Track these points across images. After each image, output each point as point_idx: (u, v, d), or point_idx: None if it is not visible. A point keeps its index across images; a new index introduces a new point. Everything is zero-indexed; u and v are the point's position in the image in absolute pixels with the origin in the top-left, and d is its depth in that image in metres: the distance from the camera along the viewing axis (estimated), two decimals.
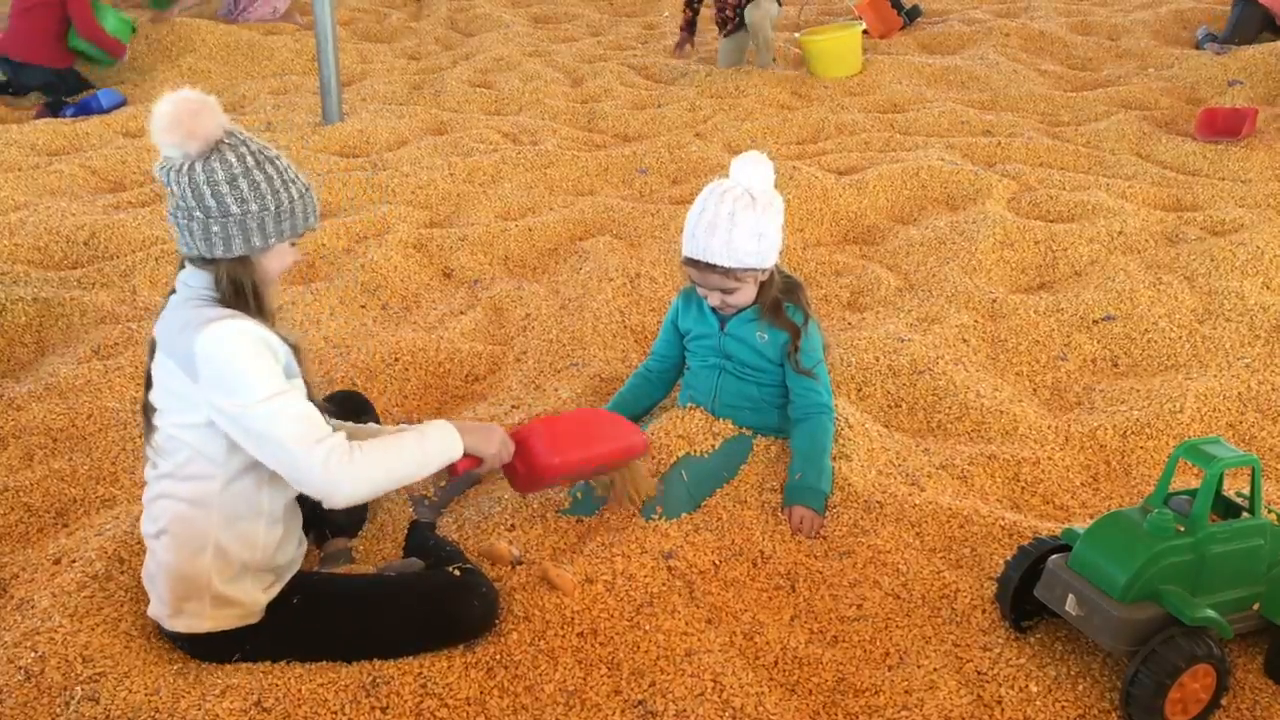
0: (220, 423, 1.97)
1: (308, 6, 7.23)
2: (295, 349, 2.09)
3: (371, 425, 2.44)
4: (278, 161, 2.04)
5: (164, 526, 2.06)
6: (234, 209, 1.97)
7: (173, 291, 2.08)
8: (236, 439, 1.98)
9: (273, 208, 2.01)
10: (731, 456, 2.68)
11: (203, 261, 2.03)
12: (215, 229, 1.98)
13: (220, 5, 8.22)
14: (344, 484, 1.99)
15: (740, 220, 2.53)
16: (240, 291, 2.03)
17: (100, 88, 6.62)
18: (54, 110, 6.36)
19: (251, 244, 2.01)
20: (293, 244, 2.11)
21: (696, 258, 2.59)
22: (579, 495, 2.58)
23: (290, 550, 2.18)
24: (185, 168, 1.97)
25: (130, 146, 5.52)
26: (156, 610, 2.11)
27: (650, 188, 5.10)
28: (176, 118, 1.96)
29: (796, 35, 7.01)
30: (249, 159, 1.99)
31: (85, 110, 6.23)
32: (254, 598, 2.08)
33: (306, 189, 2.08)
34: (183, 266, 2.09)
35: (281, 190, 2.02)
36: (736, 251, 2.55)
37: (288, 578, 2.15)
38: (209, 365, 1.93)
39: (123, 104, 6.39)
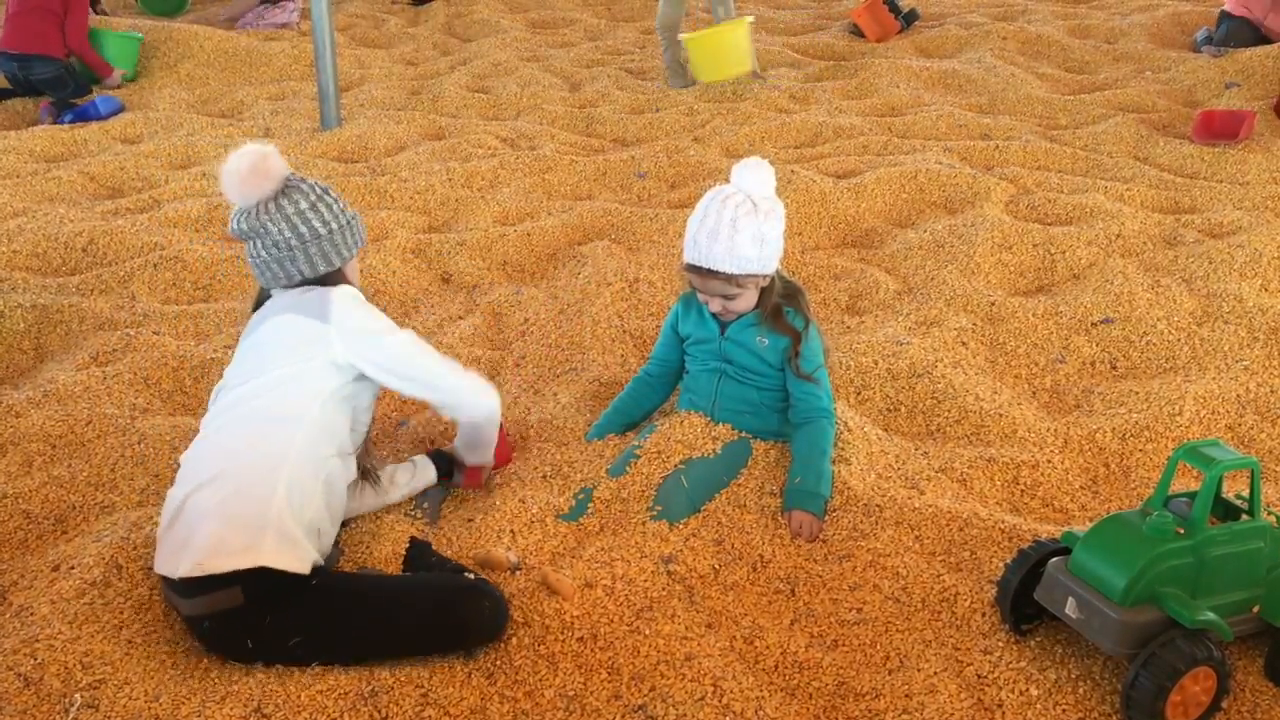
0: (359, 353, 2.32)
1: (306, 12, 7.25)
2: None
3: None
4: (330, 192, 2.44)
5: (233, 463, 2.17)
6: (322, 230, 2.38)
7: (259, 304, 2.49)
8: (380, 362, 2.35)
9: (346, 222, 2.44)
10: (731, 461, 2.68)
11: (303, 284, 2.40)
12: (314, 251, 2.38)
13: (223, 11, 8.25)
14: (491, 397, 2.58)
15: (742, 226, 2.53)
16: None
17: (100, 94, 6.62)
18: (59, 109, 6.35)
19: (343, 255, 2.44)
20: (359, 255, 2.53)
21: (698, 264, 2.59)
22: (579, 499, 2.59)
23: (329, 536, 2.31)
24: (269, 208, 2.34)
25: (129, 153, 5.53)
26: (198, 558, 2.07)
27: (648, 192, 5.10)
28: (255, 168, 2.31)
29: (680, 37, 6.57)
30: (315, 187, 2.40)
31: (83, 117, 6.23)
32: (308, 547, 2.16)
33: (352, 210, 2.50)
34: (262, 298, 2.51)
35: (345, 209, 2.46)
36: (738, 257, 2.55)
37: (320, 559, 2.22)
38: (345, 308, 2.34)
39: (121, 110, 6.39)
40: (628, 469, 2.63)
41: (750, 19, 6.59)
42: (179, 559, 2.11)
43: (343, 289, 2.39)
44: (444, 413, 2.65)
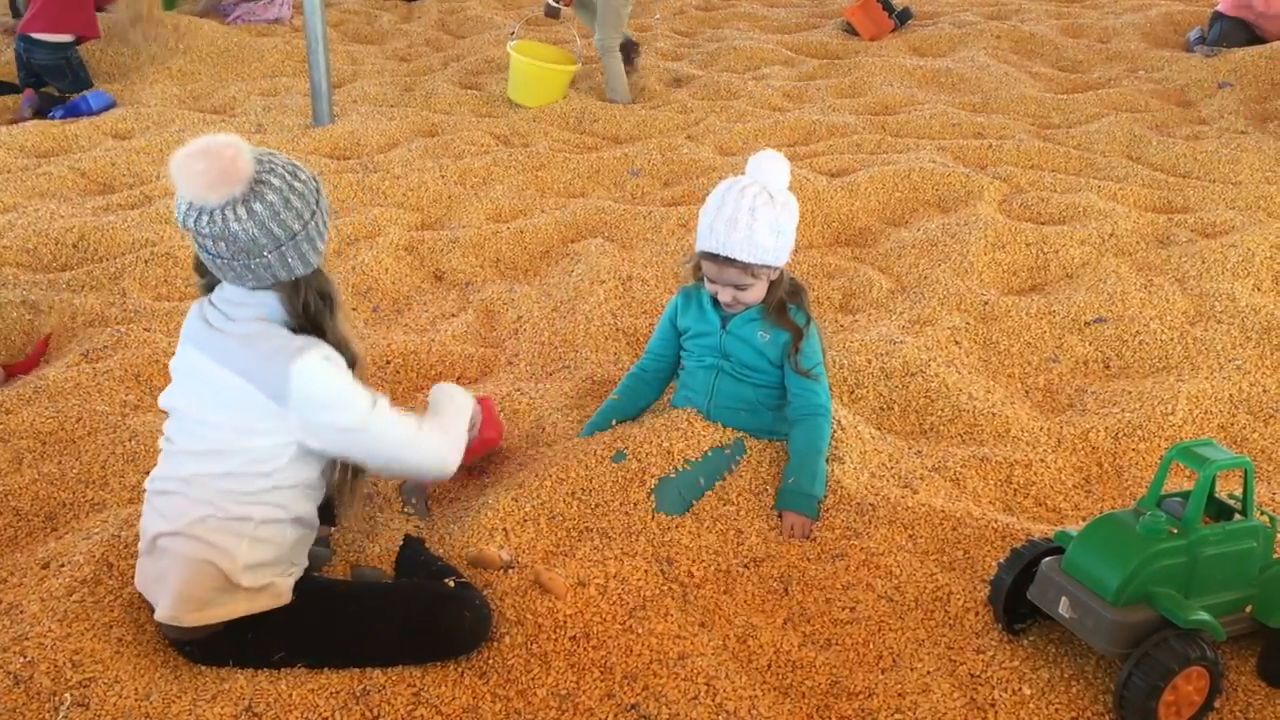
0: (315, 441, 2.08)
1: (298, 8, 7.23)
2: (354, 360, 2.17)
3: None
4: (295, 165, 2.07)
5: (198, 520, 2.05)
6: (297, 228, 2.03)
7: (203, 304, 2.15)
8: (334, 447, 2.11)
9: (316, 207, 2.08)
10: (724, 459, 2.67)
11: (276, 286, 2.07)
12: (290, 253, 2.04)
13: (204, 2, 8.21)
14: (450, 457, 2.30)
15: (760, 216, 2.54)
16: (325, 298, 2.13)
17: (92, 89, 6.59)
18: (46, 104, 6.31)
19: (319, 250, 2.10)
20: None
21: (716, 251, 2.59)
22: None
23: (303, 556, 2.21)
24: (238, 211, 1.97)
25: (120, 148, 5.50)
26: (172, 610, 2.05)
27: (642, 190, 5.10)
28: (223, 170, 1.94)
29: (511, 44, 6.30)
30: (284, 176, 2.03)
31: (74, 112, 6.19)
32: (282, 583, 2.11)
33: (316, 174, 2.13)
34: (208, 289, 2.16)
35: (316, 190, 2.09)
36: (756, 246, 2.55)
37: (300, 573, 2.18)
38: (306, 392, 2.03)
39: (112, 106, 6.35)
40: (624, 464, 2.63)
41: (577, 67, 6.40)
42: (156, 596, 2.11)
43: (304, 363, 2.02)
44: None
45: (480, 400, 2.67)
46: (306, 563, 2.21)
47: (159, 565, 2.10)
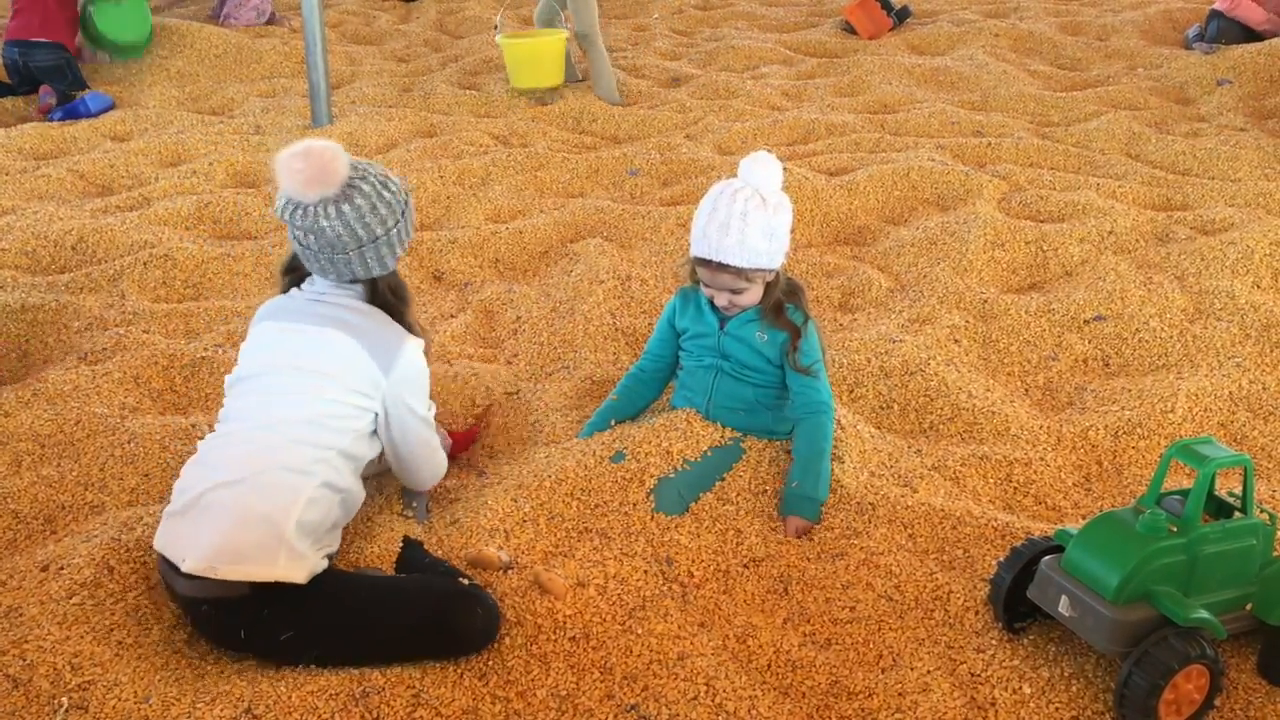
0: (391, 413, 2.33)
1: (296, 10, 7.22)
2: (428, 347, 2.47)
3: None
4: (387, 177, 2.35)
5: (265, 469, 2.16)
6: (380, 233, 2.30)
7: (289, 294, 2.43)
8: (394, 427, 2.35)
9: (401, 217, 2.35)
10: (723, 459, 2.67)
11: (357, 281, 2.35)
12: (370, 254, 2.31)
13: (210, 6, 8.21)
14: (440, 473, 2.60)
15: (753, 220, 2.53)
16: (398, 294, 2.41)
17: (90, 90, 6.58)
18: (60, 101, 6.32)
19: (397, 255, 2.38)
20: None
21: (709, 257, 2.58)
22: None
23: (337, 540, 2.31)
24: (329, 210, 2.23)
25: (118, 150, 5.50)
26: (209, 560, 2.06)
27: (641, 189, 5.09)
28: (322, 169, 2.20)
29: (498, 38, 6.41)
30: (375, 185, 2.30)
31: (73, 114, 6.19)
32: (315, 560, 2.16)
33: (408, 188, 2.38)
34: (291, 286, 2.44)
35: (403, 200, 2.37)
36: (749, 251, 2.54)
37: (335, 549, 2.28)
38: (409, 371, 2.32)
39: (110, 107, 6.35)
40: (623, 464, 2.63)
41: (566, 32, 6.39)
42: (187, 549, 2.11)
43: (413, 346, 2.33)
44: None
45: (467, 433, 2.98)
46: (338, 546, 2.31)
47: (201, 519, 2.12)
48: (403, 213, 2.35)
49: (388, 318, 2.35)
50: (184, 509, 2.17)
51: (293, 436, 2.21)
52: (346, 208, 2.24)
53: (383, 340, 2.30)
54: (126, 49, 7.00)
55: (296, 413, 2.23)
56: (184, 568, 2.09)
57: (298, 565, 2.11)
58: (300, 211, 2.24)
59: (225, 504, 2.13)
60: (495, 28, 6.61)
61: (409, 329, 2.38)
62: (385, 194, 2.31)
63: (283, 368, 2.29)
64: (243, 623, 2.10)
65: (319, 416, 2.23)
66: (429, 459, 2.51)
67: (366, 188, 2.28)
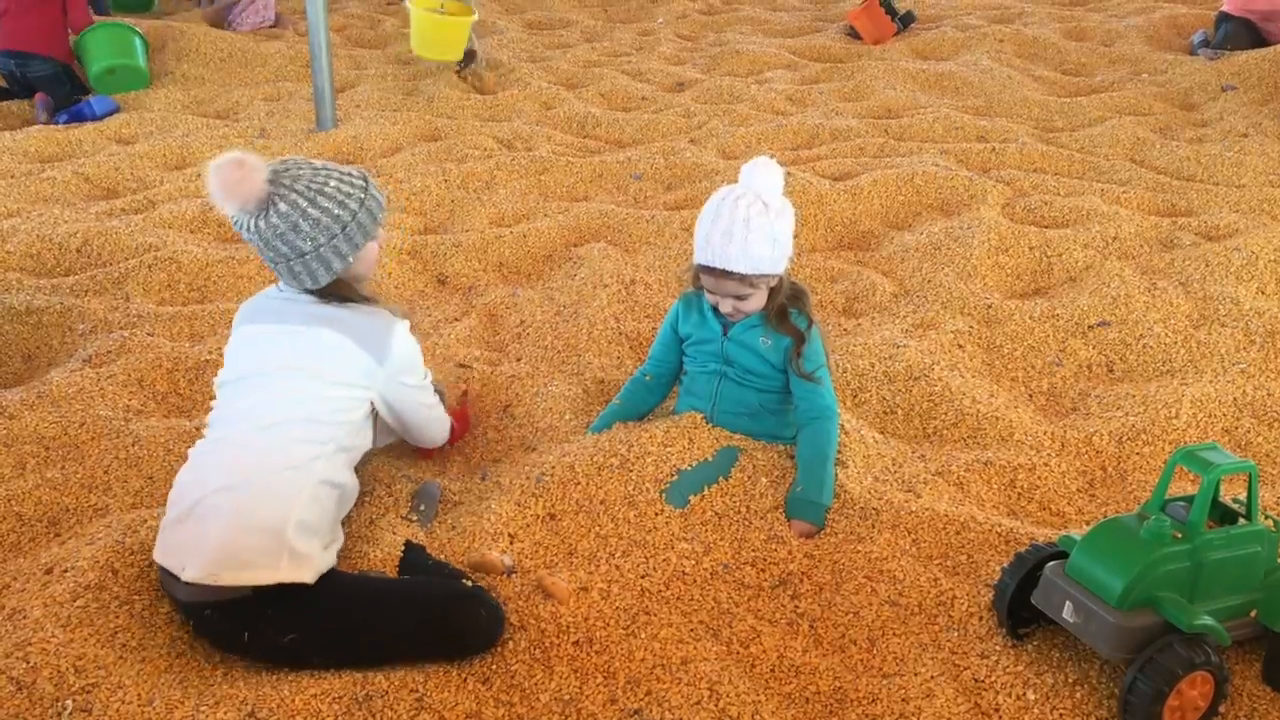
0: (390, 395, 2.43)
1: (301, 15, 7.23)
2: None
3: None
4: (326, 189, 2.28)
5: (265, 471, 2.17)
6: (306, 247, 2.26)
7: (264, 294, 2.48)
8: (395, 404, 2.47)
9: (338, 231, 2.28)
10: (727, 463, 2.67)
11: (305, 290, 2.36)
12: (299, 268, 2.30)
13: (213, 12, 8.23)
14: (446, 427, 2.75)
15: (755, 226, 2.53)
16: (346, 300, 2.38)
17: (95, 94, 6.59)
18: (61, 106, 6.32)
19: (333, 270, 2.33)
20: (373, 239, 2.40)
21: (713, 265, 2.58)
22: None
23: (339, 536, 2.33)
24: (253, 224, 2.24)
25: (123, 153, 5.51)
26: (211, 568, 2.07)
27: (645, 193, 5.09)
28: (225, 186, 2.18)
29: (407, 3, 6.55)
30: (301, 201, 2.24)
31: (78, 117, 6.20)
32: (320, 559, 2.17)
33: (364, 192, 2.34)
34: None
35: (340, 212, 2.28)
36: (752, 257, 2.54)
37: (341, 543, 2.30)
38: (402, 355, 2.41)
39: (116, 110, 6.36)
40: (627, 468, 2.63)
41: (475, 17, 6.67)
42: (187, 557, 2.11)
43: (401, 329, 2.41)
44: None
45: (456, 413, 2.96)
46: (343, 538, 2.33)
47: (199, 527, 2.13)
48: (343, 228, 2.28)
49: (368, 308, 2.40)
50: (181, 517, 2.17)
51: (290, 436, 2.22)
52: (261, 222, 2.24)
53: (371, 330, 2.35)
54: (116, 74, 6.75)
55: (292, 412, 2.24)
56: (185, 576, 2.09)
57: (302, 566, 2.12)
58: (243, 228, 2.28)
59: (224, 510, 2.13)
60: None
61: (373, 303, 2.44)
62: (314, 208, 2.25)
63: (273, 368, 2.30)
64: (245, 625, 2.10)
65: (315, 413, 2.26)
66: (432, 418, 2.65)
67: (285, 206, 2.24)
